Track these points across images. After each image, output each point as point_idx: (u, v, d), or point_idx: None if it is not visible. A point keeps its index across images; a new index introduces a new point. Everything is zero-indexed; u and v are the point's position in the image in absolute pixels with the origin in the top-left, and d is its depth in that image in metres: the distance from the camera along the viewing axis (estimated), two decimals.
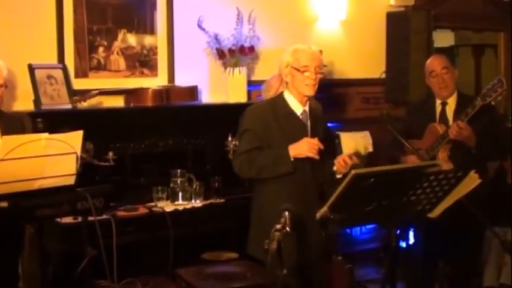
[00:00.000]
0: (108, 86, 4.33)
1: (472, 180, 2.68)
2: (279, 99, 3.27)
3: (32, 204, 2.97)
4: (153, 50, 4.59)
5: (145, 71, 4.57)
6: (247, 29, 4.77)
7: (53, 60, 4.22)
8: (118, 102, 4.40)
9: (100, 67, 4.40)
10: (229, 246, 3.90)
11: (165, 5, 4.60)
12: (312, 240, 3.15)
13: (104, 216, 3.32)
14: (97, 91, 4.19)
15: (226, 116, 4.26)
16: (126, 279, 3.31)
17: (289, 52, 3.20)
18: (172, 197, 4.05)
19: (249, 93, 4.78)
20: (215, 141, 4.38)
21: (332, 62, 5.30)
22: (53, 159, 2.95)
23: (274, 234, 2.32)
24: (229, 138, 4.28)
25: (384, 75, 5.53)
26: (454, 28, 6.81)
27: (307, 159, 3.14)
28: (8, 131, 3.28)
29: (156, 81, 4.55)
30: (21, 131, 3.47)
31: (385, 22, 5.49)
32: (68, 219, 3.33)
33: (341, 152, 4.69)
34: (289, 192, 3.11)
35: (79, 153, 3.05)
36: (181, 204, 4.03)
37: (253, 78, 4.92)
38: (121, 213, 3.77)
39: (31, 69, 4.07)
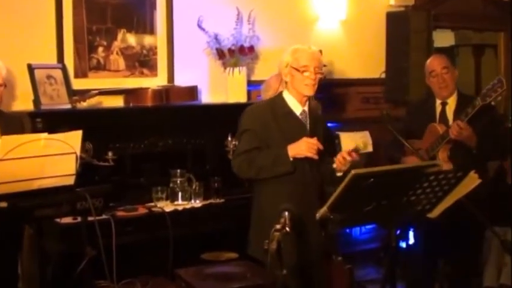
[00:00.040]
0: (108, 86, 4.33)
1: (472, 181, 2.67)
2: (278, 99, 3.27)
3: (32, 205, 2.96)
4: (152, 49, 4.59)
5: (145, 71, 4.57)
6: (247, 29, 4.77)
7: (53, 60, 4.22)
8: (117, 102, 4.40)
9: (99, 67, 4.40)
10: (229, 246, 3.90)
11: (164, 5, 4.59)
12: (312, 240, 3.14)
13: (104, 217, 3.31)
14: (96, 91, 4.19)
15: (226, 116, 4.25)
16: (126, 280, 3.30)
17: (289, 52, 3.20)
18: (172, 197, 4.05)
19: (248, 93, 4.77)
20: (215, 141, 4.38)
21: (332, 62, 5.30)
22: (53, 159, 2.95)
23: (274, 234, 2.32)
24: (229, 138, 4.28)
25: (383, 75, 5.53)
26: (454, 28, 6.81)
27: (307, 159, 3.14)
28: (7, 131, 3.27)
29: (155, 81, 4.55)
30: (21, 131, 3.46)
31: (385, 22, 5.48)
32: (67, 220, 3.33)
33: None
34: (288, 193, 3.10)
35: (78, 153, 3.05)
36: (180, 204, 4.02)
37: (253, 78, 4.92)
38: (120, 213, 3.77)
39: (30, 69, 4.06)
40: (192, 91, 4.51)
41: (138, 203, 3.95)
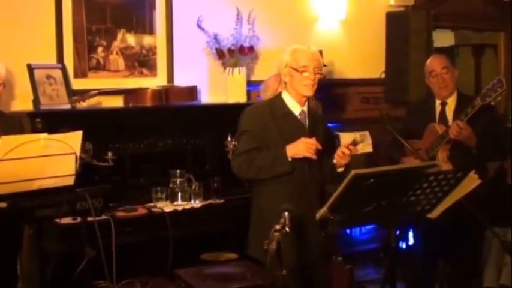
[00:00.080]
0: (107, 86, 4.32)
1: (471, 181, 2.67)
2: (277, 99, 3.27)
3: (31, 205, 2.96)
4: (152, 50, 4.58)
5: (145, 71, 4.57)
6: (246, 29, 4.76)
7: (52, 60, 4.22)
8: (117, 102, 4.40)
9: (99, 67, 4.40)
10: (229, 246, 3.89)
11: (164, 5, 4.59)
12: (312, 240, 3.14)
13: (103, 217, 3.30)
14: (96, 91, 4.19)
15: (226, 116, 4.24)
16: (125, 280, 3.29)
17: (288, 52, 3.20)
18: (172, 198, 4.05)
19: (248, 93, 4.77)
20: (214, 142, 4.37)
21: (332, 62, 5.30)
22: (52, 159, 2.95)
23: (274, 234, 2.32)
24: (229, 139, 4.27)
25: (383, 75, 5.52)
26: (454, 28, 6.81)
27: (305, 160, 3.13)
28: (6, 131, 3.26)
29: (155, 81, 4.54)
30: (20, 131, 3.47)
31: (384, 22, 5.48)
32: (67, 220, 3.32)
33: None
34: (288, 193, 3.10)
35: (78, 154, 3.05)
36: (180, 204, 4.02)
37: (253, 78, 4.92)
38: (120, 213, 3.77)
39: (30, 69, 4.06)
40: (192, 91, 4.51)
41: (137, 203, 3.95)
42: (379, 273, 4.93)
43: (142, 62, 4.55)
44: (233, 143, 4.17)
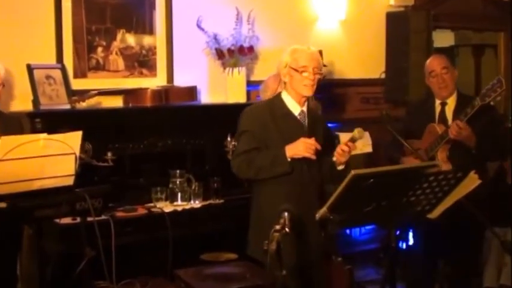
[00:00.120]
0: (107, 86, 4.32)
1: (471, 181, 2.67)
2: (277, 99, 3.26)
3: (31, 205, 2.96)
4: (152, 50, 4.58)
5: (144, 71, 4.56)
6: (246, 29, 4.76)
7: (52, 60, 4.21)
8: (117, 102, 4.39)
9: (99, 67, 4.39)
10: (229, 247, 3.89)
11: (164, 5, 4.59)
12: (312, 240, 3.14)
13: (103, 217, 3.30)
14: (96, 91, 4.18)
15: (226, 116, 4.24)
16: (125, 280, 3.29)
17: (288, 52, 3.20)
18: (171, 198, 4.04)
19: (248, 93, 4.77)
20: (214, 142, 4.37)
21: (332, 62, 5.29)
22: (52, 159, 2.94)
23: (274, 235, 2.32)
24: (229, 139, 4.27)
25: (383, 75, 5.52)
26: (454, 28, 6.81)
27: (305, 160, 3.13)
28: (6, 132, 3.26)
29: (155, 82, 4.54)
30: (20, 131, 3.46)
31: (384, 22, 5.48)
32: (66, 220, 3.32)
33: None
34: (287, 193, 3.10)
35: (78, 154, 3.04)
36: (180, 204, 4.02)
37: (253, 78, 4.91)
38: (120, 213, 3.77)
39: (30, 69, 4.06)
40: (192, 91, 4.50)
41: (137, 203, 3.94)
42: (379, 274, 4.92)
43: (142, 62, 4.55)
44: (233, 143, 4.17)
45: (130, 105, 4.35)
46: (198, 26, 4.63)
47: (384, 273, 3.13)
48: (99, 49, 4.39)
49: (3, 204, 2.91)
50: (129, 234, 3.70)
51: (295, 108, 3.22)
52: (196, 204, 4.07)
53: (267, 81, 3.96)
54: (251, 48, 4.71)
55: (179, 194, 4.04)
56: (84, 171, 3.34)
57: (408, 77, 5.22)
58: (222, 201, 4.13)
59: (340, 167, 3.18)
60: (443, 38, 6.91)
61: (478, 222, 3.41)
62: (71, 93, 4.18)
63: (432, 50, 5.35)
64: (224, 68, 4.70)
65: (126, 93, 4.38)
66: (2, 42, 4.01)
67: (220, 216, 4.06)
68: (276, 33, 4.98)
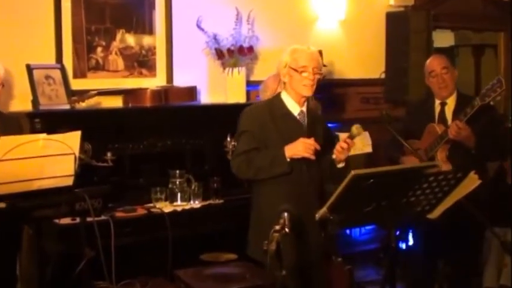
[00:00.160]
0: (107, 86, 4.32)
1: (471, 181, 2.67)
2: (276, 100, 3.26)
3: (31, 205, 2.95)
4: (151, 50, 4.58)
5: (144, 71, 4.56)
6: (246, 29, 4.76)
7: (51, 60, 4.21)
8: (116, 102, 4.39)
9: (98, 67, 4.39)
10: (228, 247, 3.89)
11: (163, 5, 4.58)
12: (312, 241, 3.14)
13: (102, 217, 3.30)
14: (95, 91, 4.18)
15: (225, 116, 4.23)
16: (125, 281, 3.29)
17: (288, 52, 3.20)
18: (171, 198, 4.04)
19: (248, 93, 4.77)
20: (214, 142, 4.37)
21: (331, 62, 5.29)
22: (51, 159, 2.94)
23: (273, 235, 2.32)
24: (228, 139, 4.27)
25: (383, 75, 5.52)
26: (454, 28, 6.80)
27: (304, 160, 3.13)
28: (5, 132, 3.26)
29: (154, 82, 4.54)
30: (19, 131, 3.46)
31: (384, 22, 5.48)
32: (66, 220, 3.32)
33: None
34: (287, 193, 3.10)
35: (77, 154, 3.04)
36: (180, 205, 4.01)
37: (252, 78, 4.91)
38: (119, 214, 3.76)
39: (29, 69, 4.05)
40: (191, 91, 4.50)
41: (137, 203, 3.94)
42: (379, 274, 4.92)
43: (141, 62, 4.55)
44: (232, 143, 4.16)
45: (129, 105, 4.35)
46: (198, 26, 4.62)
47: (384, 274, 3.12)
48: (99, 49, 4.38)
49: (2, 205, 2.91)
50: (128, 235, 3.70)
51: (295, 108, 3.22)
52: (196, 204, 4.06)
53: (267, 81, 3.96)
54: (251, 48, 4.71)
55: (179, 194, 4.03)
56: (83, 171, 3.34)
57: (408, 77, 5.21)
58: (221, 201, 4.13)
59: (340, 165, 3.18)
60: (443, 38, 6.91)
61: (478, 223, 3.41)
62: (71, 93, 4.18)
63: (432, 50, 5.35)
64: (224, 68, 4.69)
65: (125, 93, 4.37)
66: (1, 42, 4.01)
67: (220, 216, 4.06)
68: (276, 33, 4.98)
